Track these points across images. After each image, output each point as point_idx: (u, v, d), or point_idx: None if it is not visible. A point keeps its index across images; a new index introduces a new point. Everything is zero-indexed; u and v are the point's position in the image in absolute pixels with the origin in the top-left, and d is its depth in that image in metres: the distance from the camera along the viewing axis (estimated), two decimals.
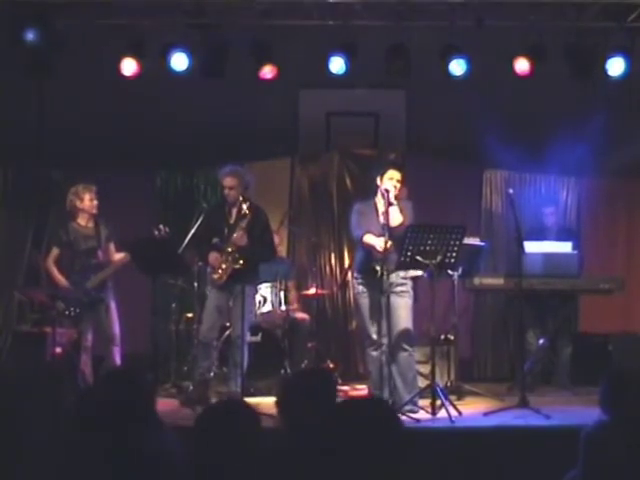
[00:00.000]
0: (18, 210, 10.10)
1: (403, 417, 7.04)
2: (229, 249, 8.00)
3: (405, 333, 7.45)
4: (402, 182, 7.53)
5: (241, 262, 7.93)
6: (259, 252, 8.08)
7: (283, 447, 3.45)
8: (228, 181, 8.09)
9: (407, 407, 7.22)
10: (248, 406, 3.46)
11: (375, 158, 9.63)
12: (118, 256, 8.45)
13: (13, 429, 3.15)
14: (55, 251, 8.47)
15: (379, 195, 7.56)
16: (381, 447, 2.84)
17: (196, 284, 9.06)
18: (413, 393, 7.45)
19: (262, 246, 8.10)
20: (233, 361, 8.03)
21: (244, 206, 7.98)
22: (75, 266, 8.41)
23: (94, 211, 8.42)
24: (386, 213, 7.31)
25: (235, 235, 7.98)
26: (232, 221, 8.12)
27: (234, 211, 8.13)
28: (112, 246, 8.51)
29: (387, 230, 7.25)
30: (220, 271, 8.04)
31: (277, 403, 3.78)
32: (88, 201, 8.38)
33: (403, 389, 7.38)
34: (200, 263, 8.55)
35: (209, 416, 3.37)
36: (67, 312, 8.24)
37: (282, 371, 9.05)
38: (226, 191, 8.12)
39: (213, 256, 8.07)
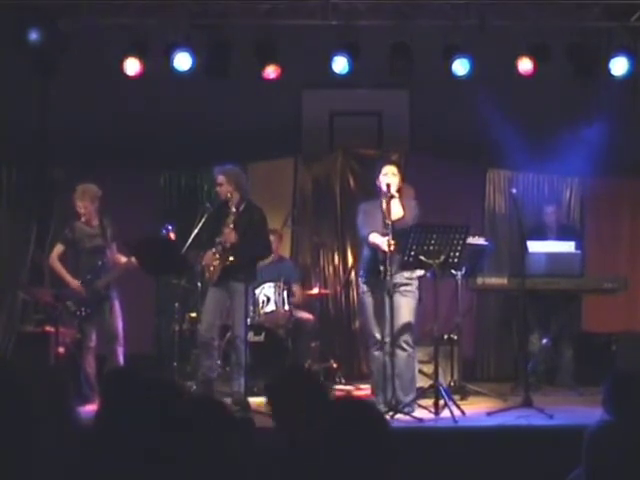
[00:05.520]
0: (21, 209, 10.11)
1: (405, 417, 7.07)
2: (220, 247, 8.05)
3: (404, 332, 7.43)
4: (400, 176, 7.56)
5: (231, 259, 7.97)
6: (253, 250, 8.11)
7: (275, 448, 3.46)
8: (217, 179, 8.21)
9: (404, 408, 7.20)
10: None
11: (378, 157, 9.63)
12: (121, 257, 8.45)
13: (18, 430, 3.15)
14: (59, 248, 8.44)
15: (381, 195, 7.58)
16: (366, 449, 2.85)
17: (199, 284, 9.07)
18: (410, 395, 7.40)
19: (256, 244, 8.12)
20: (235, 361, 8.05)
21: (236, 205, 8.05)
22: (81, 265, 8.38)
23: (87, 217, 8.40)
24: (388, 208, 7.33)
25: (224, 233, 8.04)
26: (231, 220, 8.17)
27: (233, 209, 8.17)
28: (114, 247, 8.51)
29: (390, 227, 7.25)
30: (212, 269, 8.09)
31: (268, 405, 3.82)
32: (88, 205, 8.37)
33: (399, 390, 7.31)
34: (203, 263, 8.54)
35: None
36: (78, 312, 8.24)
37: None
38: (219, 189, 8.21)
39: (207, 255, 8.12)
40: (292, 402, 3.75)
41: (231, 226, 8.06)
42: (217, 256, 8.06)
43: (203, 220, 8.36)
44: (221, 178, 8.17)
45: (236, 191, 8.15)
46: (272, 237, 9.53)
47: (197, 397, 3.69)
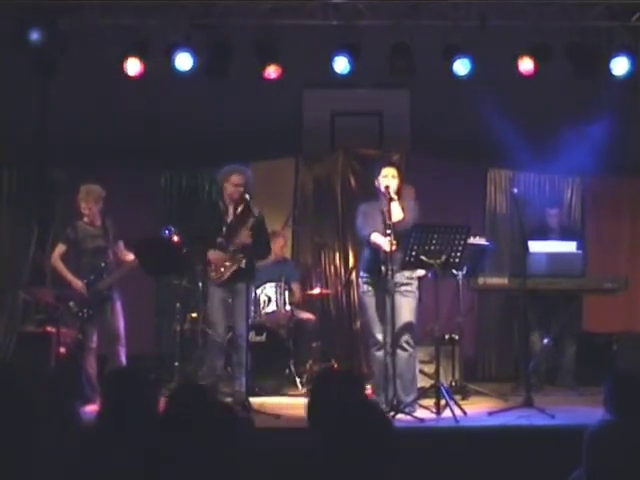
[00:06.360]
0: (22, 210, 10.10)
1: (407, 417, 7.07)
2: (233, 248, 8.02)
3: (406, 332, 7.44)
4: (399, 178, 7.56)
5: (244, 261, 7.97)
6: (258, 250, 8.12)
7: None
8: (237, 179, 8.11)
9: (405, 408, 7.20)
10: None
11: (379, 158, 9.63)
12: (129, 255, 8.42)
13: (18, 430, 3.15)
14: (61, 247, 8.41)
15: (381, 197, 7.58)
16: (366, 449, 2.85)
17: (200, 284, 9.06)
18: (411, 395, 7.43)
19: (260, 245, 8.13)
20: (237, 361, 8.05)
21: (252, 206, 8.03)
22: (83, 266, 8.36)
23: (91, 217, 8.39)
24: (388, 210, 7.33)
25: (241, 234, 8.00)
26: (230, 220, 8.14)
27: (231, 210, 8.14)
28: (122, 245, 8.49)
29: (391, 228, 7.25)
30: (222, 269, 8.05)
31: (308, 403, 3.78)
32: (92, 206, 8.35)
33: (401, 390, 7.32)
34: (212, 262, 8.41)
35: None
36: (80, 313, 8.23)
37: (287, 371, 9.07)
38: (236, 189, 8.10)
39: (215, 255, 8.07)
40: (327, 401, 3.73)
41: (250, 227, 8.02)
42: (229, 257, 8.03)
43: (201, 218, 8.37)
44: (242, 179, 8.12)
45: (249, 192, 8.15)
46: (275, 238, 9.58)
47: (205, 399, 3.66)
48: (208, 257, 8.09)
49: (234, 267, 8.02)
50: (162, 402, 3.85)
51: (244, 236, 7.98)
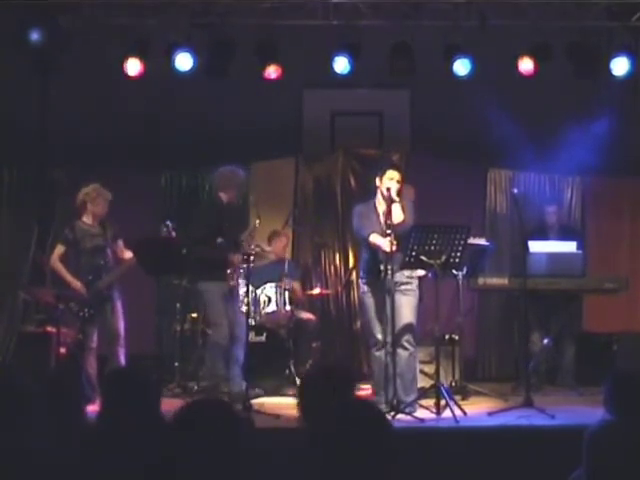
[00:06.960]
0: (22, 210, 10.09)
1: (407, 417, 7.07)
2: (250, 250, 8.02)
3: (407, 331, 7.44)
4: (402, 182, 7.56)
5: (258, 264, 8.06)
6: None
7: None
8: (242, 183, 8.18)
9: (406, 408, 7.20)
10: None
11: (379, 158, 9.63)
12: (128, 253, 8.42)
13: (18, 430, 3.15)
14: (60, 249, 8.41)
15: (379, 196, 7.59)
16: (366, 449, 2.85)
17: (200, 284, 9.05)
18: (412, 395, 7.43)
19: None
20: (237, 361, 8.05)
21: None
22: (82, 265, 8.36)
23: (95, 220, 8.41)
24: (389, 212, 7.32)
25: (254, 235, 8.04)
26: (227, 222, 8.16)
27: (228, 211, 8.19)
28: (121, 243, 8.49)
29: (391, 228, 7.25)
30: (241, 271, 8.10)
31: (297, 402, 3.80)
32: (101, 209, 8.37)
33: (401, 390, 7.33)
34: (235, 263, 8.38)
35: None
36: (81, 314, 8.22)
37: (287, 371, 9.07)
38: (240, 192, 8.18)
39: (238, 258, 8.08)
40: (319, 400, 3.73)
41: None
42: (249, 258, 8.05)
43: (201, 218, 8.39)
44: (245, 182, 8.21)
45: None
46: (278, 238, 9.59)
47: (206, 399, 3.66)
48: (231, 259, 8.10)
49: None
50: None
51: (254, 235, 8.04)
